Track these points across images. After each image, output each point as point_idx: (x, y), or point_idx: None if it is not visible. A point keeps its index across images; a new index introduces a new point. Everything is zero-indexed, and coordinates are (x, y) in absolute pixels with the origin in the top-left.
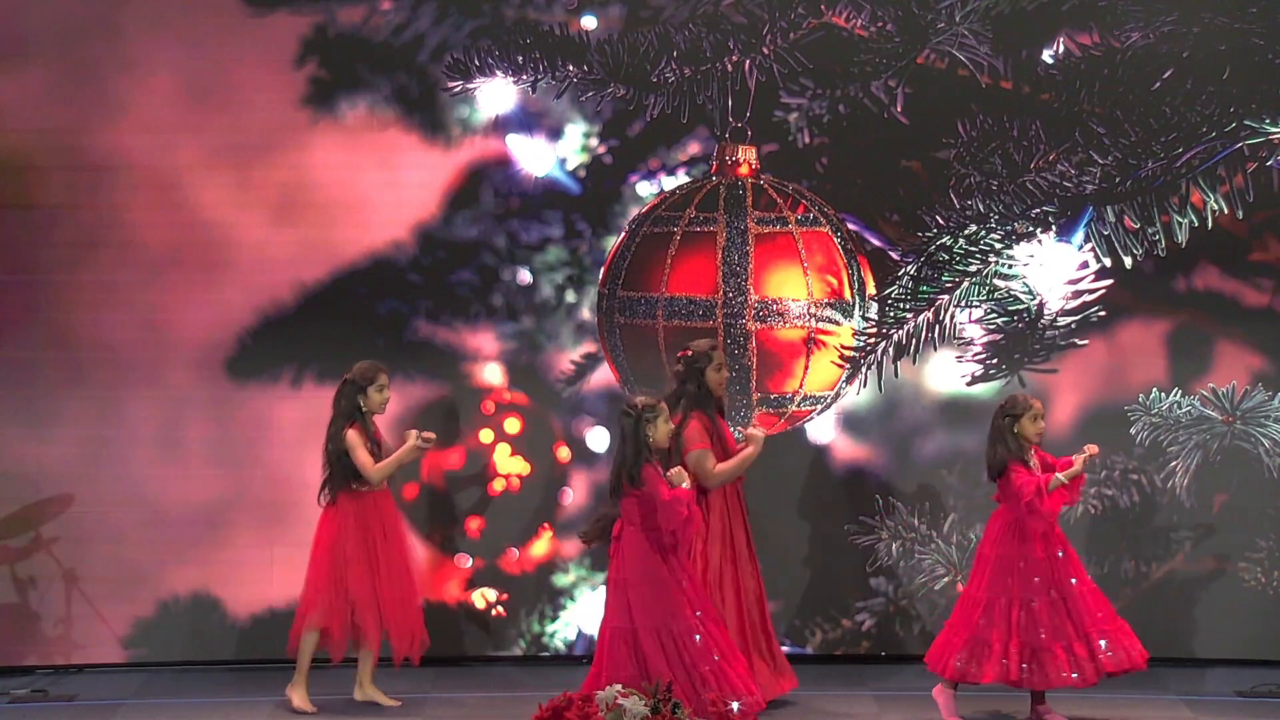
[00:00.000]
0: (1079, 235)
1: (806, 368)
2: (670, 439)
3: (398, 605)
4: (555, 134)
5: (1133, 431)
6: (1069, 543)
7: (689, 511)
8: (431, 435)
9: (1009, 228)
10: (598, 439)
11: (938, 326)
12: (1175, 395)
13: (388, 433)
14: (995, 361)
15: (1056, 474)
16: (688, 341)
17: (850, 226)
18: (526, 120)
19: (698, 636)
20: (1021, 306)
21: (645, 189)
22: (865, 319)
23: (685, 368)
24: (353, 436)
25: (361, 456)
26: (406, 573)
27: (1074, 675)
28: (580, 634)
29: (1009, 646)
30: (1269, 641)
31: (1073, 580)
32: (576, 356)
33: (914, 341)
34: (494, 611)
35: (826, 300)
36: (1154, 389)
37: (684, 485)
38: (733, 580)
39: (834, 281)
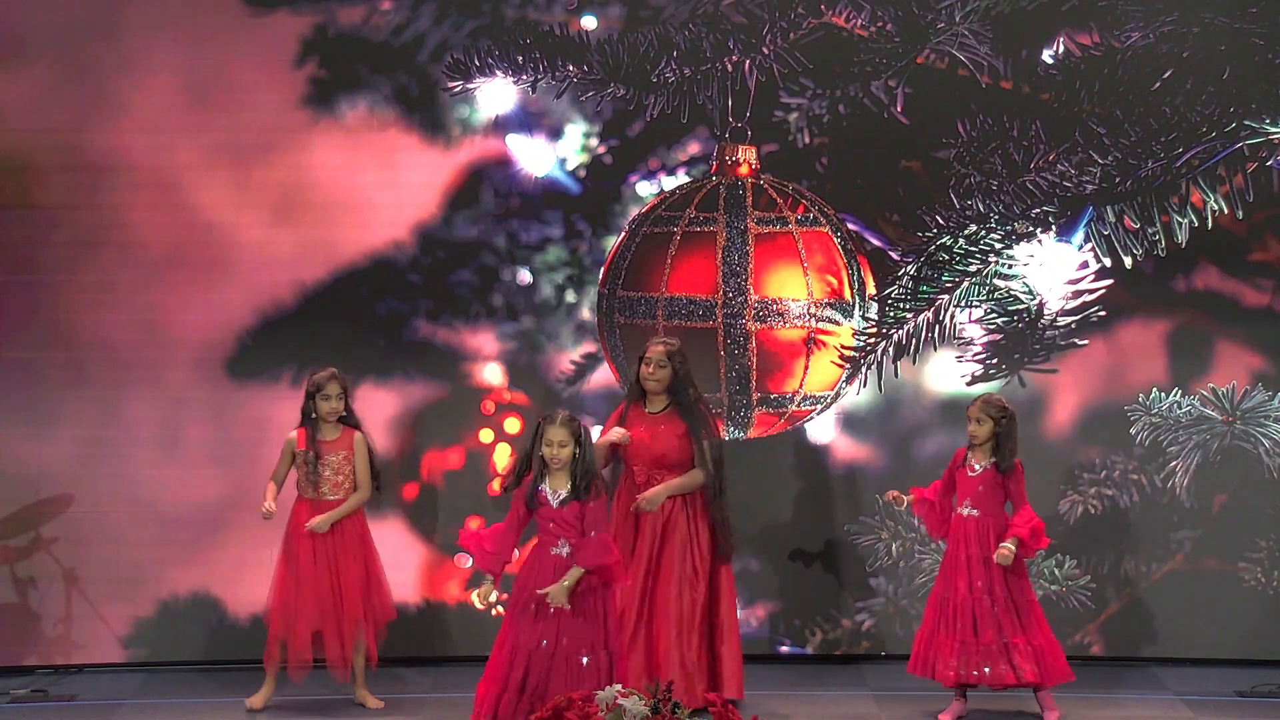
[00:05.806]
0: (1079, 235)
1: (806, 368)
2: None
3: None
4: (555, 134)
5: (1133, 431)
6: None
7: (612, 559)
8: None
9: (1009, 228)
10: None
11: (938, 326)
12: (1175, 395)
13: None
14: (995, 361)
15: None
16: (687, 341)
17: (850, 226)
18: (526, 120)
19: (585, 659)
20: (1021, 306)
21: (645, 189)
22: (865, 319)
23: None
24: (287, 440)
25: (278, 464)
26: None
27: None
28: None
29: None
30: (1269, 641)
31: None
32: (576, 356)
33: (914, 341)
34: (494, 612)
35: (826, 300)
36: (1154, 389)
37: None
38: (654, 605)
39: (834, 281)
